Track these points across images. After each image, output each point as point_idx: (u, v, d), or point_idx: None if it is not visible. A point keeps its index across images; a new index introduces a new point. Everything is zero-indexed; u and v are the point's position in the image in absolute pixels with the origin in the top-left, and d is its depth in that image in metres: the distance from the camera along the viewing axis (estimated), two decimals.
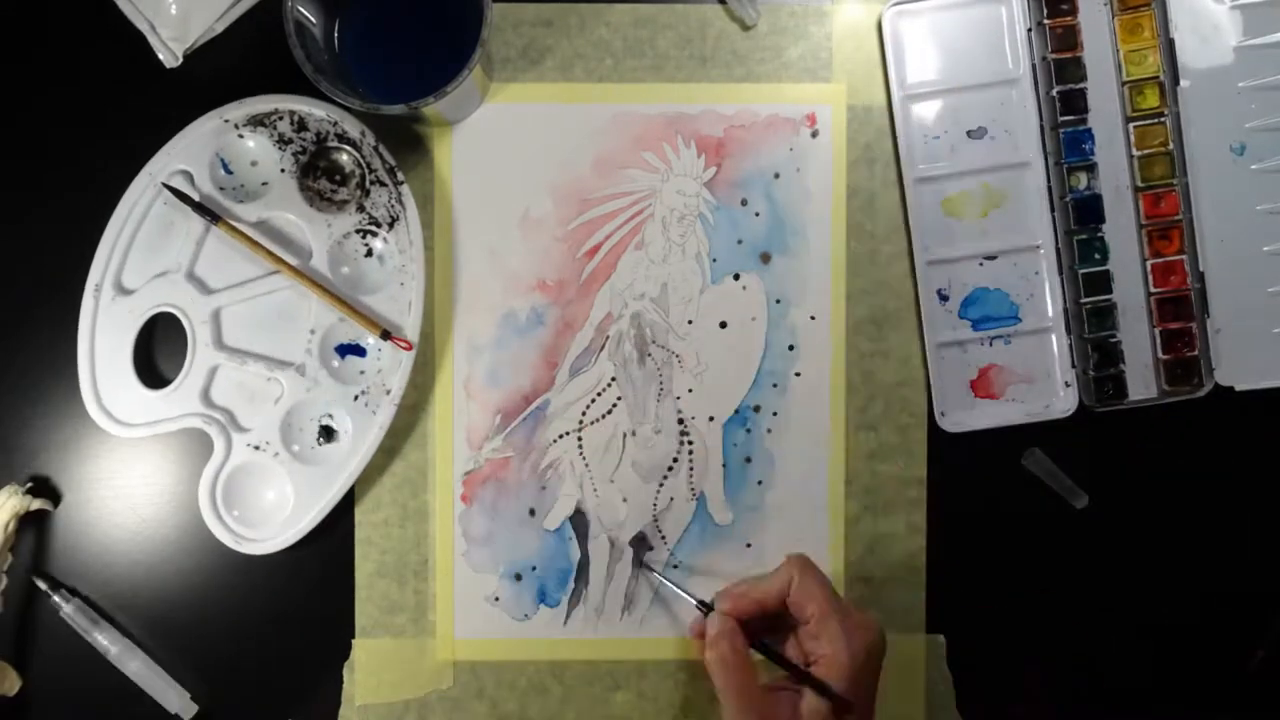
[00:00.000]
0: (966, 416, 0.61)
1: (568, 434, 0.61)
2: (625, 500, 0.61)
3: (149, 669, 0.60)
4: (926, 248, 0.61)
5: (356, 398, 0.59)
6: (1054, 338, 0.61)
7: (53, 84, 0.61)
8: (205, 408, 0.59)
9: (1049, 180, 0.61)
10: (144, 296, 0.59)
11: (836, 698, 0.52)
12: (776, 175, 0.61)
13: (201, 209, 0.57)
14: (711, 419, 0.61)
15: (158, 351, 0.60)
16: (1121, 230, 0.61)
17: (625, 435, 0.61)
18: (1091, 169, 0.60)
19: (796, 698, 0.53)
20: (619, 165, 0.61)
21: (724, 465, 0.61)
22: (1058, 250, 0.61)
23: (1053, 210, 0.61)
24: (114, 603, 0.61)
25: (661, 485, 0.61)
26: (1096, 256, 0.60)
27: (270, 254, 0.58)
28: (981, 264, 0.61)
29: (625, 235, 0.61)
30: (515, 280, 0.61)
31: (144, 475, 0.61)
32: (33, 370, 0.60)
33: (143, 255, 0.59)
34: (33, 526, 0.60)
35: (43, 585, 0.59)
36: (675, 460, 0.61)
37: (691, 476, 0.61)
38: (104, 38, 0.60)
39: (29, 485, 0.60)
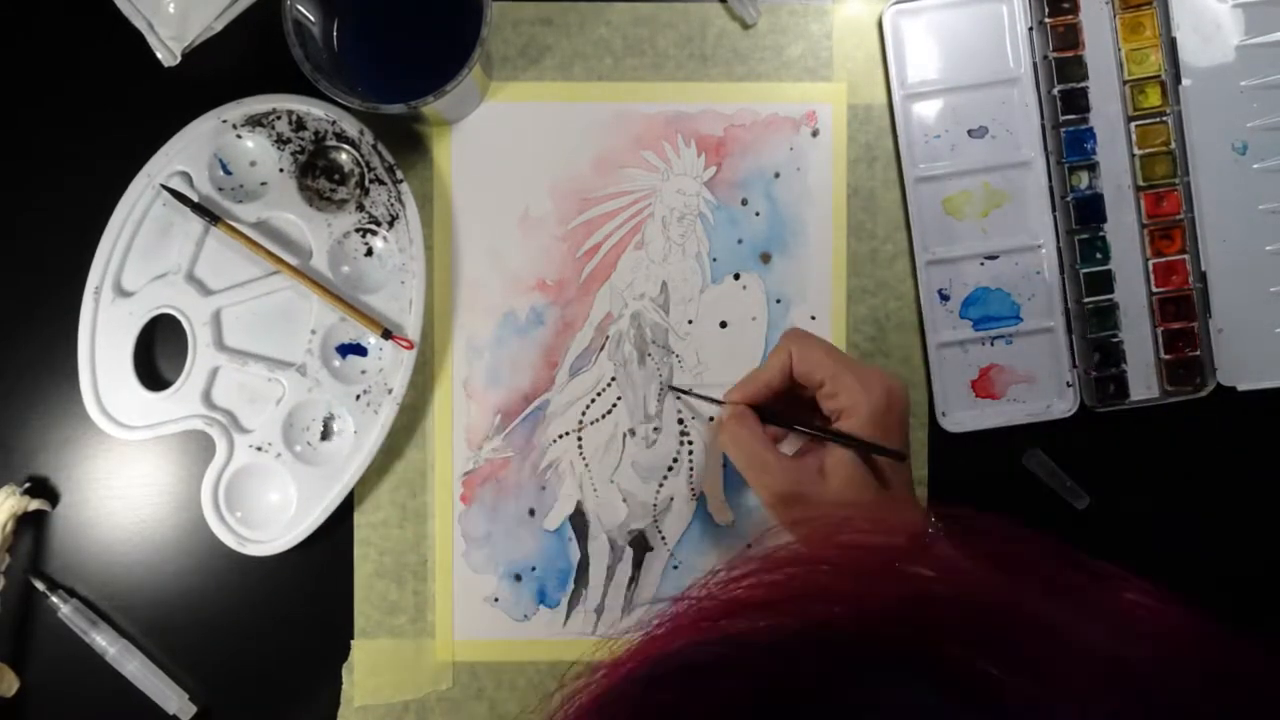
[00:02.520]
0: (967, 417, 0.61)
1: (567, 434, 0.61)
2: (625, 500, 0.61)
3: (147, 670, 0.59)
4: (927, 247, 0.61)
5: (358, 397, 0.58)
6: (1055, 337, 0.61)
7: (50, 83, 0.61)
8: (206, 409, 0.58)
9: (1050, 179, 0.61)
10: (144, 298, 0.59)
11: (859, 443, 0.50)
12: (777, 174, 0.61)
13: (200, 210, 0.57)
14: (711, 419, 0.61)
15: (158, 353, 0.60)
16: (1123, 230, 0.60)
17: (625, 435, 0.61)
18: (1093, 168, 0.60)
19: (821, 458, 0.51)
20: (619, 164, 0.61)
21: (724, 465, 0.61)
22: (1059, 250, 0.61)
23: (1054, 210, 0.61)
24: (112, 603, 0.60)
25: (661, 485, 0.61)
26: (1098, 256, 0.60)
27: (270, 254, 0.57)
28: (982, 263, 0.61)
29: (625, 235, 0.61)
30: (515, 280, 0.61)
31: (142, 475, 0.60)
32: (30, 370, 0.60)
33: (142, 257, 0.59)
34: (31, 527, 0.60)
35: (41, 586, 0.59)
36: (675, 460, 0.61)
37: (691, 476, 0.61)
38: (102, 36, 0.60)
39: (27, 485, 0.59)
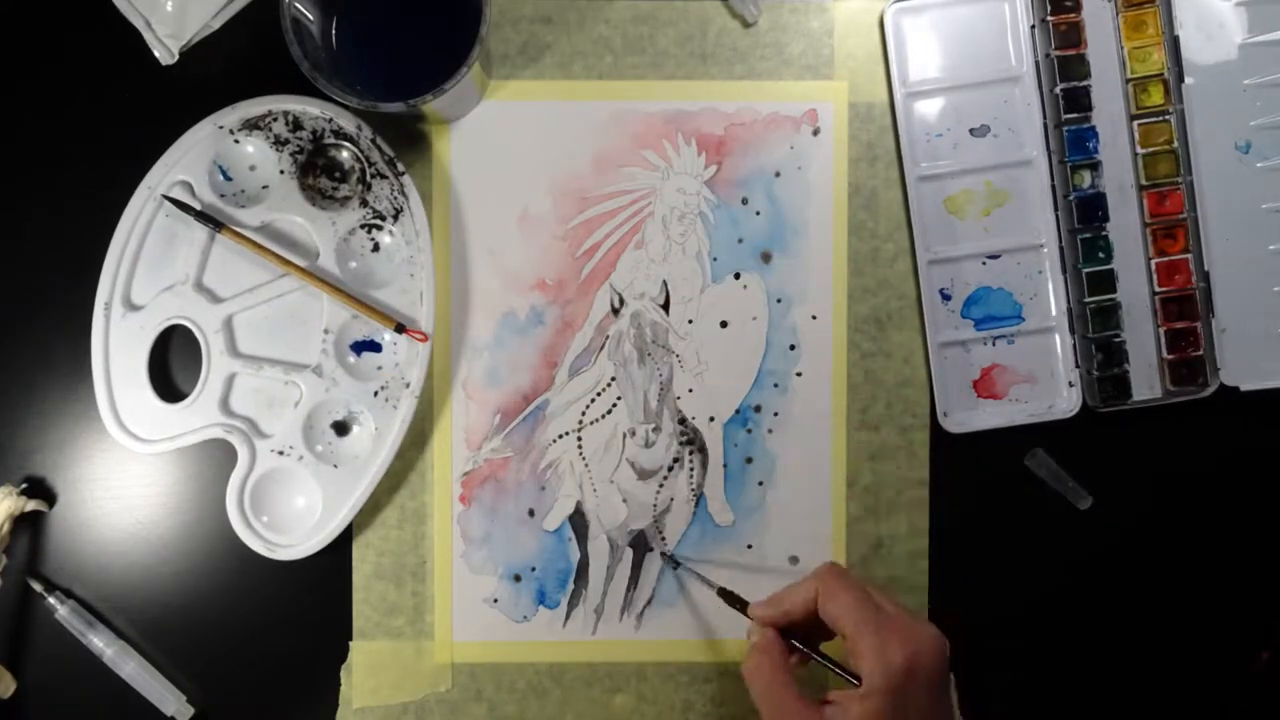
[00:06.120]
0: (969, 417, 0.61)
1: (567, 434, 0.61)
2: (625, 500, 0.61)
3: (145, 671, 0.59)
4: (929, 247, 0.60)
5: (376, 394, 0.58)
6: (1057, 337, 0.61)
7: (47, 83, 0.60)
8: (225, 417, 0.58)
9: (1052, 178, 0.60)
10: (154, 311, 0.58)
11: (830, 661, 0.50)
12: (777, 173, 0.61)
13: (205, 218, 0.57)
14: (712, 419, 0.61)
15: (173, 365, 0.60)
16: (1126, 229, 0.60)
17: (625, 435, 0.61)
18: (1095, 167, 0.60)
19: (842, 710, 0.48)
20: (619, 163, 0.61)
21: (724, 466, 0.61)
22: (1061, 249, 0.61)
23: (1056, 209, 0.60)
24: (110, 605, 0.60)
25: (661, 485, 0.61)
26: (1100, 255, 0.60)
27: (277, 257, 0.57)
28: (984, 263, 0.61)
29: (625, 234, 0.61)
30: (514, 279, 0.61)
31: (139, 476, 0.60)
32: (28, 370, 0.60)
33: (149, 269, 0.58)
34: (28, 527, 0.60)
35: (38, 587, 0.59)
36: (675, 460, 0.61)
37: (692, 477, 0.61)
38: (99, 35, 0.60)
39: (24, 486, 0.59)
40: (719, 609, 0.61)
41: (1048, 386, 0.61)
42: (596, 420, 0.61)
